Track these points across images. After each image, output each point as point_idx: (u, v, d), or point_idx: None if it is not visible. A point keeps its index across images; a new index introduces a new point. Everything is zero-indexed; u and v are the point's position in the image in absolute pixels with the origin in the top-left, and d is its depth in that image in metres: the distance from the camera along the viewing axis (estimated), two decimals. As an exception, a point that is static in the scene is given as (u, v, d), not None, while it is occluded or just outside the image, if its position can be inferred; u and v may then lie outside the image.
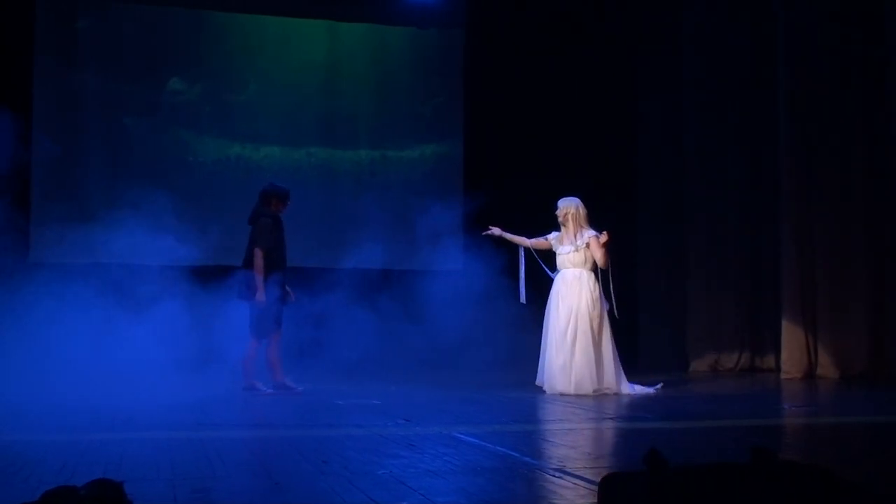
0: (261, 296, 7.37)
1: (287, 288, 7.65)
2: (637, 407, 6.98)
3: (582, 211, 8.00)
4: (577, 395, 7.55)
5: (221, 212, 10.28)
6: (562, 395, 7.60)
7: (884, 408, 7.22)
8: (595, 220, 11.24)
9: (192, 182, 10.54)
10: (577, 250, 7.94)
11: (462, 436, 5.24)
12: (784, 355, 9.73)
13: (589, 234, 7.92)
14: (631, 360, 10.46)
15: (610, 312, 7.93)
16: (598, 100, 11.39)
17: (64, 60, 10.48)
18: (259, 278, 7.39)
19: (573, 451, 4.95)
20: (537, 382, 7.91)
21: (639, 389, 7.85)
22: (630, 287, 11.46)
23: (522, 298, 8.11)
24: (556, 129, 11.25)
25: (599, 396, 7.57)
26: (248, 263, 7.50)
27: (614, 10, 11.37)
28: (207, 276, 8.12)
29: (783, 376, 9.60)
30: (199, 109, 10.92)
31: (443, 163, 11.39)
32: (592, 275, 7.94)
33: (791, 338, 9.65)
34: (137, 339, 7.36)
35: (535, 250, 8.11)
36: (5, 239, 7.68)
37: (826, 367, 9.46)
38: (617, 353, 7.92)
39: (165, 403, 6.44)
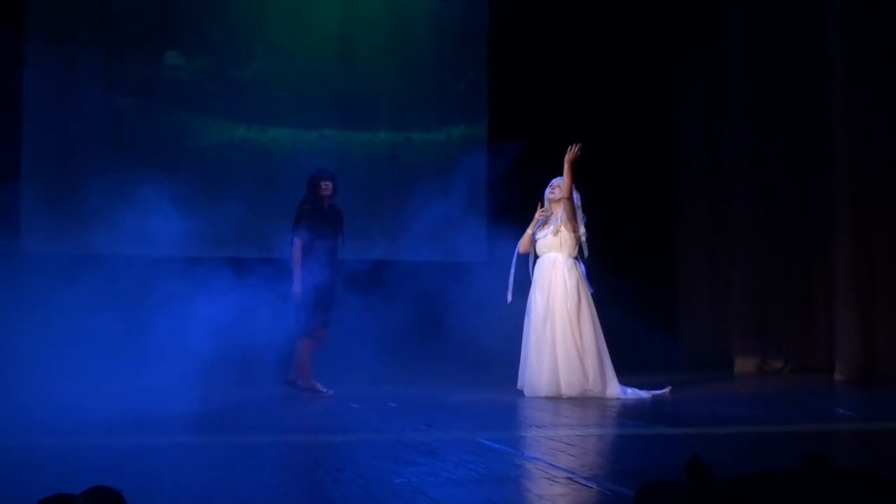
0: (295, 287, 7.59)
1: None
2: (675, 411, 6.96)
3: (575, 193, 7.89)
4: (567, 398, 7.46)
5: (225, 200, 10.26)
6: (546, 398, 7.49)
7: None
8: (633, 203, 11.24)
9: (191, 168, 10.47)
10: (554, 233, 7.84)
11: (487, 441, 5.26)
12: (838, 354, 9.67)
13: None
14: (669, 357, 10.46)
15: (594, 296, 7.79)
16: (634, 73, 11.32)
17: (55, 36, 10.49)
18: (294, 270, 7.63)
19: (606, 458, 4.96)
20: (518, 386, 7.81)
21: (630, 393, 7.63)
22: (669, 276, 11.43)
23: (509, 298, 8.02)
24: (589, 108, 11.19)
25: (632, 400, 7.49)
26: None
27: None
28: (210, 269, 8.16)
29: (837, 377, 9.54)
30: (200, 87, 10.88)
31: (473, 146, 11.26)
32: (570, 259, 7.80)
33: (846, 335, 9.58)
34: (137, 336, 7.42)
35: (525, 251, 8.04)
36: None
37: (884, 367, 9.37)
38: (605, 349, 7.70)
39: (168, 406, 6.49)
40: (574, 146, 7.76)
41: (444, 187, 9.04)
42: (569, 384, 7.57)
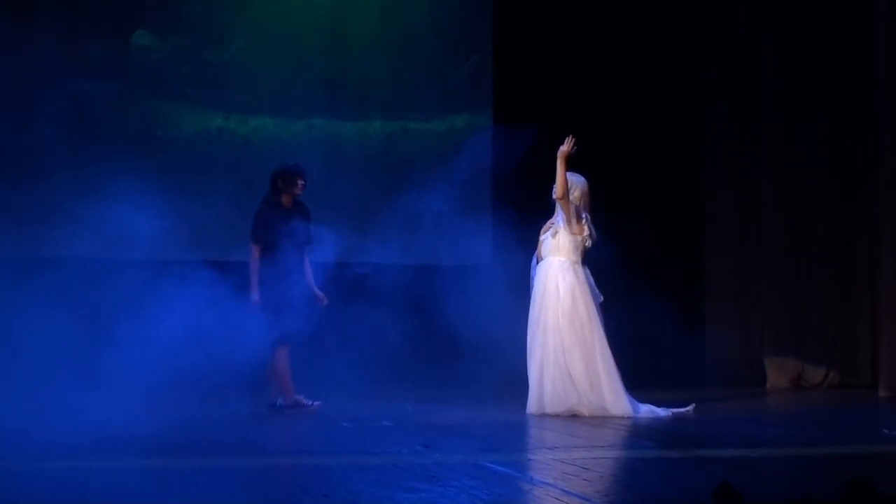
0: (253, 296, 7.69)
1: (317, 291, 7.98)
2: (699, 431, 6.97)
3: (587, 191, 7.91)
4: (554, 415, 7.49)
5: (201, 197, 10.24)
6: (535, 416, 7.54)
7: None
8: (655, 201, 11.23)
9: (163, 161, 10.43)
10: (553, 235, 7.86)
11: (492, 465, 5.26)
12: (883, 368, 9.68)
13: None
14: (694, 370, 10.45)
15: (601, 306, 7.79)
16: (655, 54, 11.26)
17: (8, 11, 10.46)
18: (252, 277, 7.73)
19: (624, 483, 4.96)
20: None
21: (645, 411, 7.62)
22: (695, 280, 11.41)
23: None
24: (605, 93, 11.18)
25: (652, 419, 7.50)
26: None
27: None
28: (185, 273, 8.18)
29: (882, 394, 9.55)
30: (173, 71, 10.86)
31: (477, 135, 11.20)
32: (568, 262, 7.79)
33: (892, 347, 9.59)
34: (103, 347, 7.42)
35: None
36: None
37: (934, 383, 9.40)
38: (610, 363, 7.65)
39: (140, 425, 6.50)
40: (568, 139, 7.75)
41: (444, 181, 9.05)
42: (553, 399, 7.59)
